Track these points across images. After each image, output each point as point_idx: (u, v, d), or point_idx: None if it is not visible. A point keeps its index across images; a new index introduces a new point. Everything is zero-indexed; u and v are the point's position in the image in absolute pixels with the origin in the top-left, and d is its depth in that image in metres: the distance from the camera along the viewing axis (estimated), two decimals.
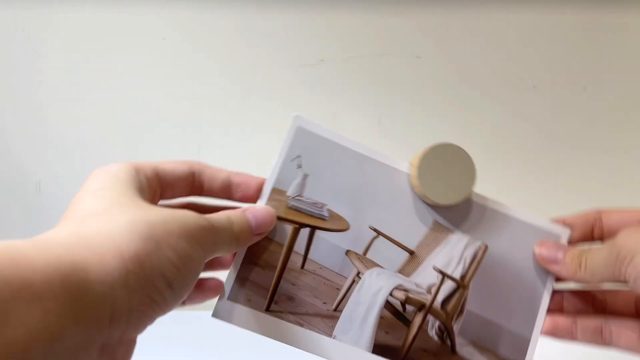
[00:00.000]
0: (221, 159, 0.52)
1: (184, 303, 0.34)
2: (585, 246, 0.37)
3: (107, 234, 0.24)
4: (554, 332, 0.37)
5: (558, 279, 0.38)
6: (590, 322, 0.37)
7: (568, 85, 0.60)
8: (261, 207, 0.34)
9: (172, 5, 0.54)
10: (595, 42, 0.59)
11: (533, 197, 0.62)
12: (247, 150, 0.56)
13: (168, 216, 0.26)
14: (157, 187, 0.31)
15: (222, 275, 0.35)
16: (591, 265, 0.34)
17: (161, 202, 0.33)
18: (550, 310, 0.38)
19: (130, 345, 0.25)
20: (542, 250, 0.37)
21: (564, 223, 0.38)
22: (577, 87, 0.60)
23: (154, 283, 0.24)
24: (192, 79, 0.56)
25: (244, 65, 0.57)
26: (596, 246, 0.35)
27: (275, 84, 0.58)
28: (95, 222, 0.25)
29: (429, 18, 0.59)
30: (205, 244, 0.27)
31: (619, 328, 0.37)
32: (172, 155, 0.57)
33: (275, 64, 0.59)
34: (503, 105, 0.59)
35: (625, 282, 0.33)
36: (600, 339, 0.37)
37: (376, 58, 0.59)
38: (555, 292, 0.38)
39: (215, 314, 0.34)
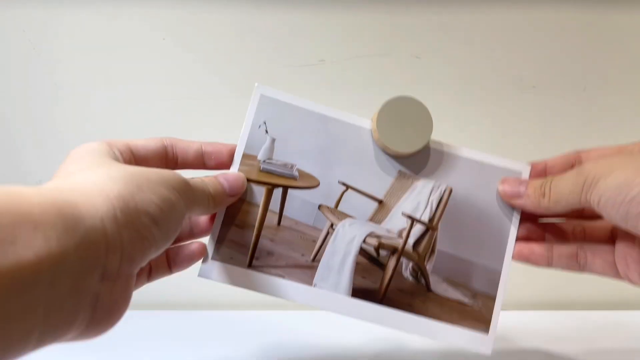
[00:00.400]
0: None
1: (170, 269, 0.37)
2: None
3: (91, 181, 0.27)
4: (529, 258, 0.39)
5: (524, 213, 0.40)
6: (565, 249, 0.39)
7: (568, 85, 0.59)
8: (232, 172, 0.37)
9: (173, 6, 0.54)
10: (595, 42, 0.59)
11: None
12: None
13: (146, 169, 0.29)
14: (131, 160, 0.33)
15: (205, 240, 0.38)
16: (555, 193, 0.36)
17: None
18: (530, 239, 0.40)
19: (128, 280, 0.27)
20: (505, 187, 0.39)
21: (546, 164, 0.40)
22: (577, 87, 0.59)
23: (140, 219, 0.26)
24: (192, 79, 0.56)
25: (244, 65, 0.57)
26: (559, 175, 0.37)
27: (276, 84, 0.59)
28: (80, 175, 0.28)
29: (429, 18, 0.59)
30: (183, 195, 0.30)
31: (595, 253, 0.38)
32: None
33: (276, 64, 0.59)
34: (503, 105, 0.59)
35: (590, 207, 0.35)
36: (576, 265, 0.39)
37: (376, 58, 0.60)
38: (535, 225, 0.40)
39: (201, 274, 0.37)
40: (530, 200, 0.38)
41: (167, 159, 0.36)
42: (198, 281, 0.38)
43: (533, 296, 0.62)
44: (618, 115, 0.61)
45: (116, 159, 0.31)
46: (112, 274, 0.26)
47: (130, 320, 0.42)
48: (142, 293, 0.50)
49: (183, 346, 0.49)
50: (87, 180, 0.27)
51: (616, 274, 0.38)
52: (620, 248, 0.37)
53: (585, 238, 0.40)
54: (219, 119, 0.58)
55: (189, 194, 0.31)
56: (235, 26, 0.56)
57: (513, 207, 0.40)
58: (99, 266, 0.25)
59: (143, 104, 0.57)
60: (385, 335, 0.50)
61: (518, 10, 0.59)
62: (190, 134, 0.56)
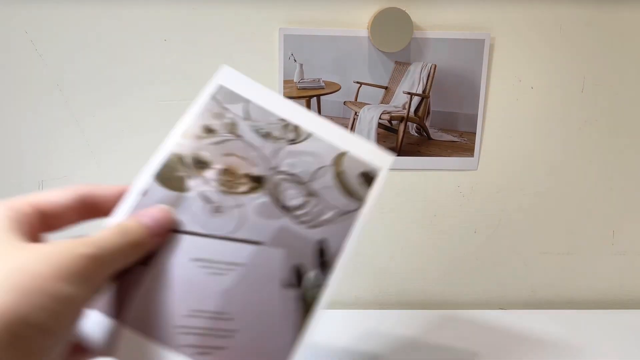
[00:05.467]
0: None
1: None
2: None
3: None
4: None
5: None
6: None
7: (568, 85, 0.58)
8: (153, 208, 0.32)
9: (174, 7, 0.54)
10: (596, 40, 0.56)
11: None
12: None
13: (42, 257, 0.25)
14: (36, 221, 0.29)
15: None
16: None
17: (52, 232, 0.31)
18: None
19: None
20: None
21: None
22: (577, 87, 0.58)
23: (28, 333, 0.23)
24: (193, 79, 0.57)
25: (245, 65, 0.56)
26: None
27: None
28: None
29: None
30: (91, 275, 0.26)
31: None
32: None
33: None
34: (502, 105, 0.59)
35: None
36: None
37: None
38: None
39: None
40: None
41: (85, 210, 0.31)
42: None
43: (532, 295, 0.65)
44: (617, 116, 0.60)
45: (18, 226, 0.27)
46: None
47: None
48: None
49: None
50: None
51: None
52: None
53: None
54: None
55: (99, 265, 0.27)
56: (236, 26, 0.55)
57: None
58: None
59: (144, 103, 0.57)
60: (382, 333, 0.57)
61: (518, 9, 0.56)
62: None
